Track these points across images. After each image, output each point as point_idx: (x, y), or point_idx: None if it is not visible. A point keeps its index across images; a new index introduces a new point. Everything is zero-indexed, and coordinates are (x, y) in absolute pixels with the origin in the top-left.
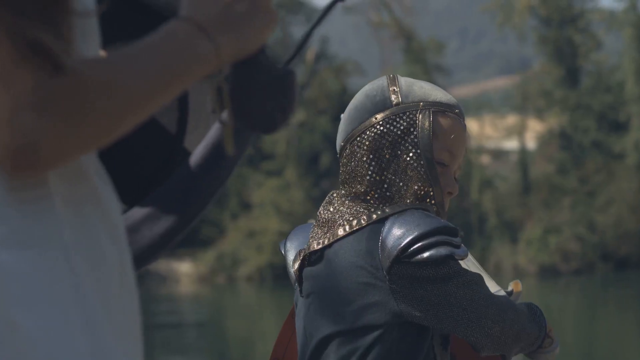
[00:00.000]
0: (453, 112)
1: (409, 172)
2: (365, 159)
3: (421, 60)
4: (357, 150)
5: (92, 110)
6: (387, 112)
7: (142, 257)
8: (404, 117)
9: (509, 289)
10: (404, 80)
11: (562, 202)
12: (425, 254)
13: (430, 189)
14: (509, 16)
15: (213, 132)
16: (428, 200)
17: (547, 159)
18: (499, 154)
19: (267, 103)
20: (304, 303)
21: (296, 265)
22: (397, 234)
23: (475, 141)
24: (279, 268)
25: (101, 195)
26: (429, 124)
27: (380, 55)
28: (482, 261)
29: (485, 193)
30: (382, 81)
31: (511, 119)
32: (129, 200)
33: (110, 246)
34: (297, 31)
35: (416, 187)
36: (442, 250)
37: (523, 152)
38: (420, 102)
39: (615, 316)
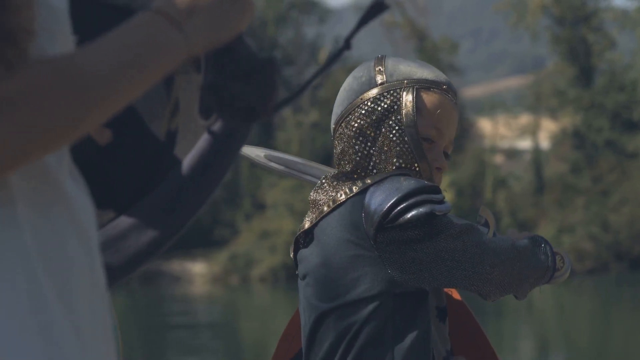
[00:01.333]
0: (440, 89)
1: (393, 149)
2: (352, 139)
3: (434, 60)
4: (345, 131)
5: (49, 110)
6: (372, 92)
7: (129, 265)
8: (388, 96)
9: (482, 221)
10: (391, 60)
11: (576, 201)
12: (407, 216)
13: (416, 164)
14: (522, 16)
15: (201, 142)
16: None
17: (560, 159)
18: (512, 154)
19: (247, 92)
20: (302, 285)
21: (292, 250)
22: (378, 201)
23: (488, 141)
24: (293, 268)
25: (71, 198)
26: (412, 100)
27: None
28: None
29: (499, 193)
30: (370, 62)
31: (524, 119)
32: (117, 207)
33: (79, 249)
34: (310, 31)
35: (400, 163)
36: (422, 209)
37: (536, 151)
38: (405, 80)
39: (630, 315)
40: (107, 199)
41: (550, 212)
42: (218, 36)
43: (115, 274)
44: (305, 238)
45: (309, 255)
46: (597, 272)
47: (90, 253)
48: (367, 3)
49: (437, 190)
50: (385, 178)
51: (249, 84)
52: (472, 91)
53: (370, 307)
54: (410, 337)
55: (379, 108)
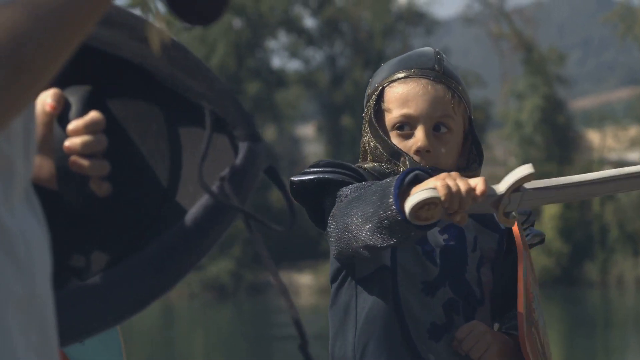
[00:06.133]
0: (408, 76)
1: (372, 156)
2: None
3: (542, 71)
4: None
5: None
6: (365, 105)
7: (118, 316)
8: (368, 105)
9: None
10: (381, 68)
11: None
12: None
13: (393, 164)
14: (631, 26)
15: (197, 207)
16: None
17: None
18: (621, 166)
19: None
20: None
21: None
22: None
23: (597, 153)
24: None
25: (8, 229)
26: (377, 103)
27: (500, 67)
28: (603, 273)
29: (607, 205)
30: None
31: (634, 130)
32: (113, 255)
33: (15, 281)
34: (418, 43)
35: (378, 163)
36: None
37: None
38: (377, 84)
39: None
40: (103, 247)
41: None
42: None
43: (102, 323)
44: None
45: None
46: None
47: (31, 286)
48: (476, 15)
49: (331, 165)
50: None
51: None
52: (581, 103)
53: (333, 290)
54: (372, 318)
55: (364, 121)
